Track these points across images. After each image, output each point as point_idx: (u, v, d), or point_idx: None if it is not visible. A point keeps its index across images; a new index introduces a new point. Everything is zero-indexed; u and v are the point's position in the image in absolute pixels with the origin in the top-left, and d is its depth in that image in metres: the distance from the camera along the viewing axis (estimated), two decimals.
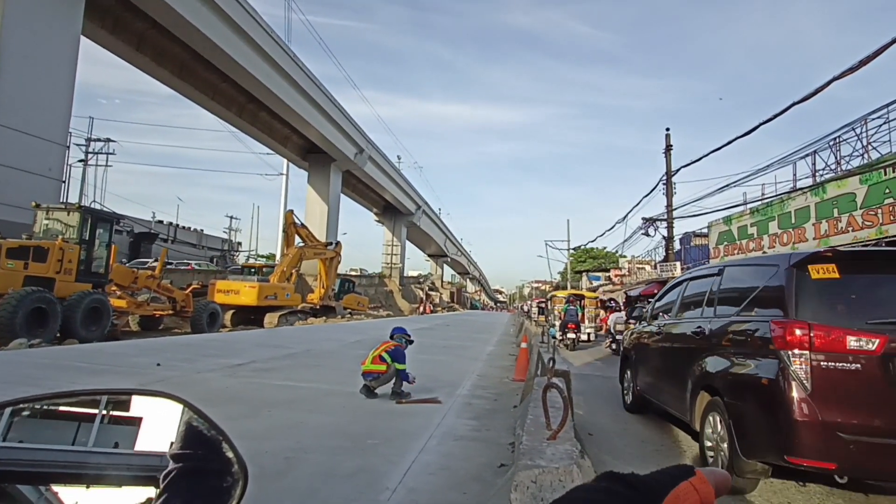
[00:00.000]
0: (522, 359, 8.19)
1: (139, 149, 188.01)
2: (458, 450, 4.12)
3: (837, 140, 13.00)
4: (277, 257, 33.57)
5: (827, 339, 3.19)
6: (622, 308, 20.80)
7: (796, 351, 3.22)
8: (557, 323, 16.14)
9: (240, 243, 58.63)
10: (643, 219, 23.15)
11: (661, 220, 21.98)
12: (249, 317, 21.19)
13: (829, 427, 3.08)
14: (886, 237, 9.79)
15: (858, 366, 3.15)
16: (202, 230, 52.08)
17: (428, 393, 5.95)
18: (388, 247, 57.42)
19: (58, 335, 11.44)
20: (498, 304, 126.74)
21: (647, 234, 23.18)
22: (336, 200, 41.00)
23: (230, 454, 0.67)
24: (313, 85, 31.78)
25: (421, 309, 47.61)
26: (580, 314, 17.07)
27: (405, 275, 59.75)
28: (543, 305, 31.64)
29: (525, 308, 54.89)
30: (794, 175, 14.75)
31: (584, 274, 47.69)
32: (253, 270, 25.78)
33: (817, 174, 13.64)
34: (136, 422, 0.67)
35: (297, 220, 24.81)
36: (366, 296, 36.90)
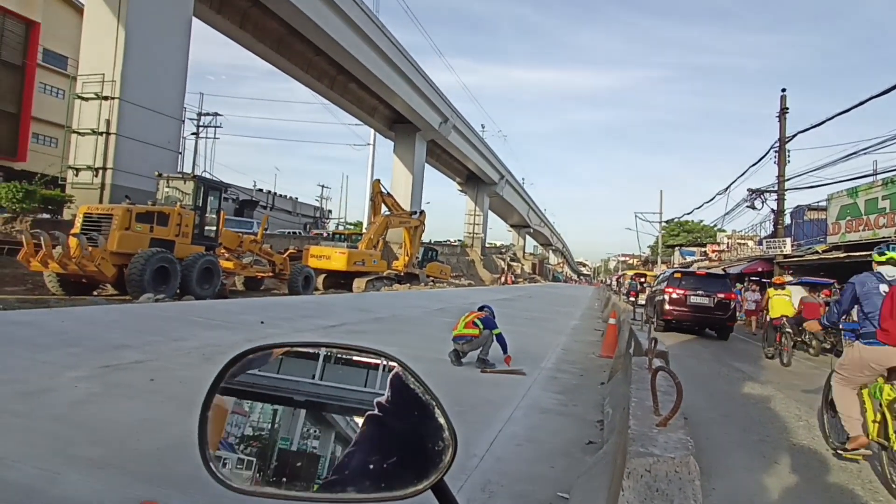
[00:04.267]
0: (611, 335, 7.92)
1: (241, 121, 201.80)
2: (545, 423, 4.09)
3: None
4: (365, 225, 34.94)
5: (673, 291, 12.49)
6: None
7: (667, 293, 12.54)
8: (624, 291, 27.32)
9: (330, 211, 61.80)
10: (749, 190, 21.20)
11: (770, 191, 19.92)
12: (339, 281, 22.40)
13: (671, 311, 12.42)
14: None
15: (679, 296, 12.40)
16: (297, 198, 55.47)
17: (512, 364, 5.95)
18: (470, 216, 57.59)
19: (177, 292, 12.81)
20: (581, 277, 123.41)
21: (752, 207, 21.26)
22: (420, 170, 41.59)
23: (442, 420, 0.69)
24: (400, 55, 31.99)
25: (502, 279, 47.61)
26: (639, 287, 24.68)
27: (487, 245, 59.77)
28: (620, 280, 41.90)
29: (609, 282, 53.06)
30: None
31: (676, 249, 44.80)
32: (343, 237, 27.17)
33: None
34: (361, 368, 0.77)
35: (383, 190, 25.53)
36: (448, 265, 37.47)
